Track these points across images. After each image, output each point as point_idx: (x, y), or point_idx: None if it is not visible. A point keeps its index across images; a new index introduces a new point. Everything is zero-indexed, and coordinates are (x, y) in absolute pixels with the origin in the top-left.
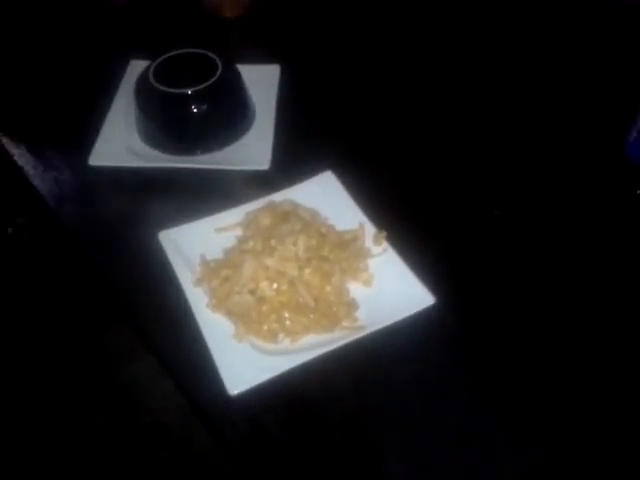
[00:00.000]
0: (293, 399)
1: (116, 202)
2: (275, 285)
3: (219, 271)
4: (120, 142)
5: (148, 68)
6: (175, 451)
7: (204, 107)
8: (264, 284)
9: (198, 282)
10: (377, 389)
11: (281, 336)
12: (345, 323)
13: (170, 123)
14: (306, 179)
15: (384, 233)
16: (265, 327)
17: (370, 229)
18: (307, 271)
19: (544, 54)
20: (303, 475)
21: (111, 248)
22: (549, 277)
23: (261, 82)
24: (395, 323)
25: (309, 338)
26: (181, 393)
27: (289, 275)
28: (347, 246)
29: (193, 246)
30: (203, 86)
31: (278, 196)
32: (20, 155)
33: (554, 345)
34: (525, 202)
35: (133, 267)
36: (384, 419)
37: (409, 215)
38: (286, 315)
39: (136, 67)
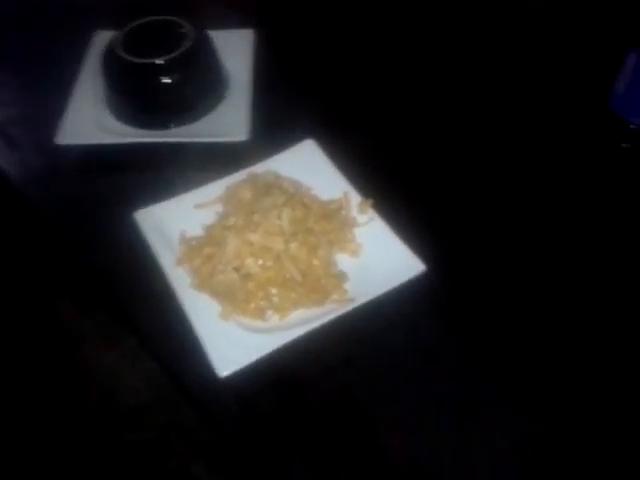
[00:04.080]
0: (284, 377)
1: (88, 182)
2: (260, 261)
3: (201, 249)
4: (89, 118)
5: (115, 38)
6: (164, 431)
7: (176, 77)
8: (249, 261)
9: (179, 262)
10: (369, 361)
11: (269, 313)
12: (334, 296)
13: (141, 96)
14: (287, 148)
15: (370, 201)
16: (252, 305)
17: (355, 197)
18: (293, 245)
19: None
20: (299, 452)
21: (86, 230)
22: (538, 237)
23: (234, 48)
24: (385, 293)
25: (298, 313)
26: (168, 377)
27: (275, 250)
28: (333, 216)
29: (172, 224)
30: (174, 55)
31: (258, 167)
32: None
33: (546, 306)
34: (512, 163)
35: (110, 249)
36: (377, 391)
37: (394, 182)
38: (273, 291)
39: (102, 38)
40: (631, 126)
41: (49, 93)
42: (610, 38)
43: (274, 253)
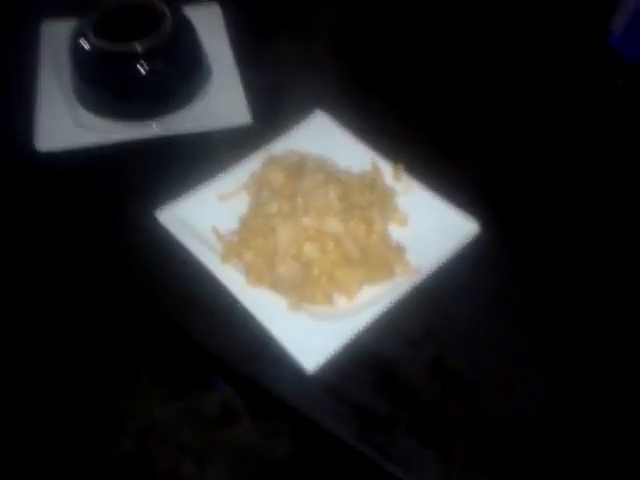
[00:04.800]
0: (371, 359)
1: (89, 188)
2: (319, 245)
3: (248, 242)
4: (65, 118)
5: (82, 26)
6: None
7: (160, 63)
8: (308, 247)
9: (225, 259)
10: (449, 329)
11: (336, 297)
12: (398, 269)
13: (124, 87)
14: (295, 123)
15: (402, 166)
16: (319, 292)
17: (385, 165)
18: (352, 223)
19: None
20: (412, 432)
21: (107, 241)
22: (577, 183)
23: (206, 25)
24: (448, 259)
25: (366, 293)
26: (250, 387)
27: (332, 231)
28: (372, 188)
29: (200, 220)
30: (157, 39)
31: (273, 148)
32: None
33: (602, 253)
34: (525, 107)
35: (140, 257)
36: (465, 357)
37: (418, 141)
38: (338, 274)
39: (53, 28)
40: (629, 63)
41: (8, 96)
42: None
43: (332, 235)
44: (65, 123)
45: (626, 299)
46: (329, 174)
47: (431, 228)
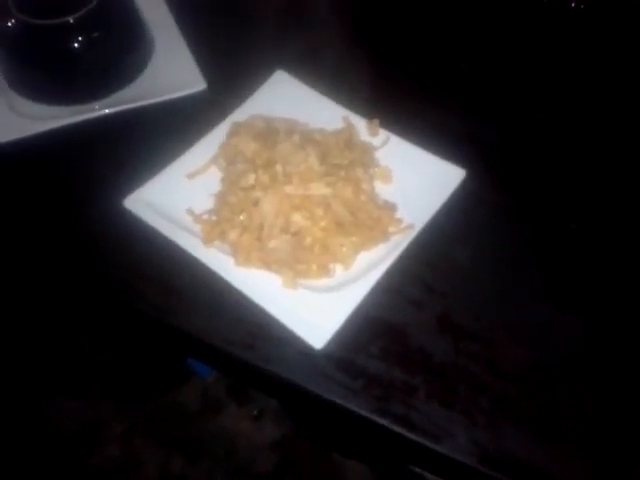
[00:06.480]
0: (375, 327)
1: (42, 182)
2: (307, 213)
3: (231, 220)
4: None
5: (4, 2)
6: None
7: (96, 34)
8: (296, 216)
9: (208, 241)
10: (451, 281)
11: (331, 267)
12: (391, 229)
13: (60, 65)
14: (256, 87)
15: (376, 120)
16: (314, 264)
17: (358, 121)
18: (338, 185)
19: None
20: (425, 399)
21: (69, 242)
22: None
23: None
24: (439, 209)
25: (362, 258)
26: (255, 374)
27: (319, 196)
28: (350, 146)
29: (172, 202)
30: (90, 9)
31: (238, 115)
32: None
33: (591, 180)
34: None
35: (109, 255)
36: (472, 309)
37: (388, 94)
38: (332, 243)
39: None
40: None
41: None
42: None
43: (319, 200)
44: (2, 115)
45: (624, 226)
46: (304, 136)
47: (416, 180)
